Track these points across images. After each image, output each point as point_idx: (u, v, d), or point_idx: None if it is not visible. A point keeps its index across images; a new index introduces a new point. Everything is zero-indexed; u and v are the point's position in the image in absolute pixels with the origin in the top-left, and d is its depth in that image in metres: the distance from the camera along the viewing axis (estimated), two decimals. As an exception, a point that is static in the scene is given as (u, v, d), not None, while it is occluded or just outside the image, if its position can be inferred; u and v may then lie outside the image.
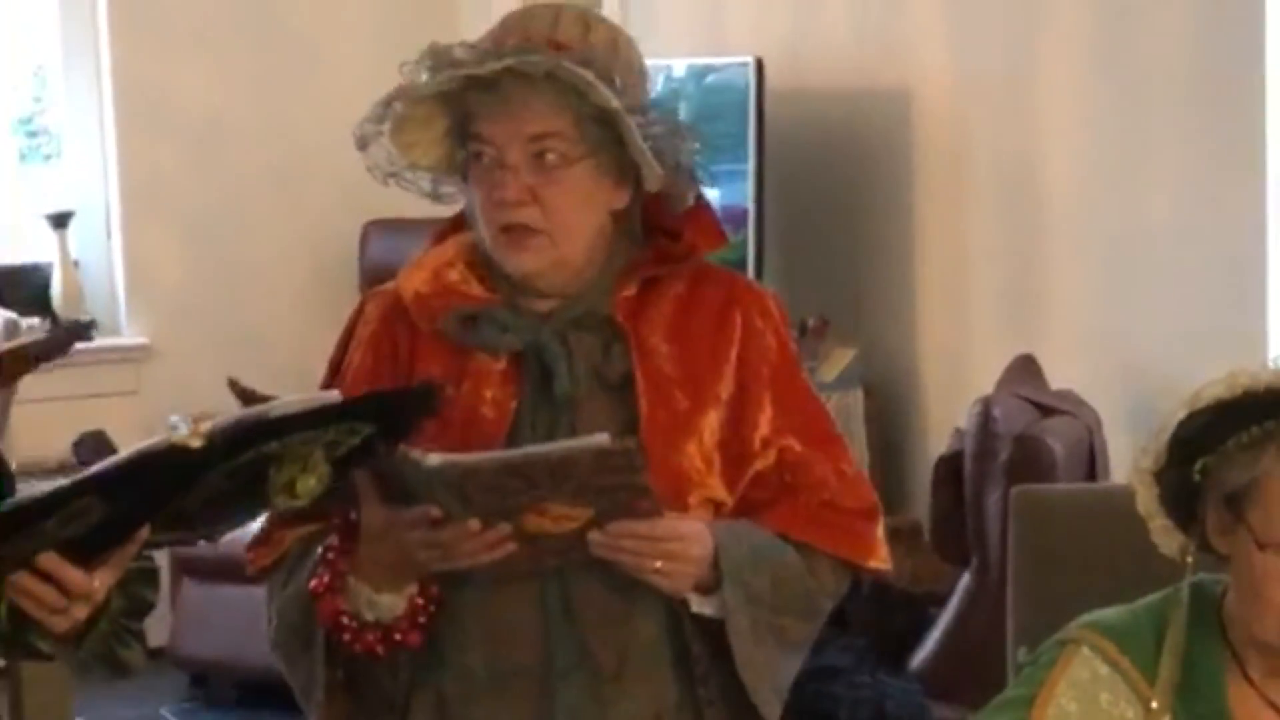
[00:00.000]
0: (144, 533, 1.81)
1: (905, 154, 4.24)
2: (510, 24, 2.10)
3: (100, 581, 1.80)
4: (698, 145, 2.11)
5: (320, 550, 2.05)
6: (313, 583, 2.03)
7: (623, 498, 1.96)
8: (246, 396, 1.94)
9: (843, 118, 4.41)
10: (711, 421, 2.10)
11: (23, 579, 1.79)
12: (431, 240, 2.18)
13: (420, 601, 2.02)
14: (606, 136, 2.06)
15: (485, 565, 1.98)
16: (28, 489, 1.88)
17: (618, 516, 1.97)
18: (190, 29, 5.40)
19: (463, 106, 2.08)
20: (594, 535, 1.98)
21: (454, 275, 2.12)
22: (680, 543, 2.01)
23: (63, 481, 1.78)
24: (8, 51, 5.48)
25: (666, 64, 4.58)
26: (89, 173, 5.43)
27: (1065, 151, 3.90)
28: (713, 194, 4.29)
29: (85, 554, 1.79)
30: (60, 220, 5.32)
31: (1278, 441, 1.84)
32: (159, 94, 5.40)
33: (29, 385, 3.94)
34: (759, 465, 2.12)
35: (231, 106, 5.45)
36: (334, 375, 2.16)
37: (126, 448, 1.83)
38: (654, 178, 2.08)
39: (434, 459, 1.91)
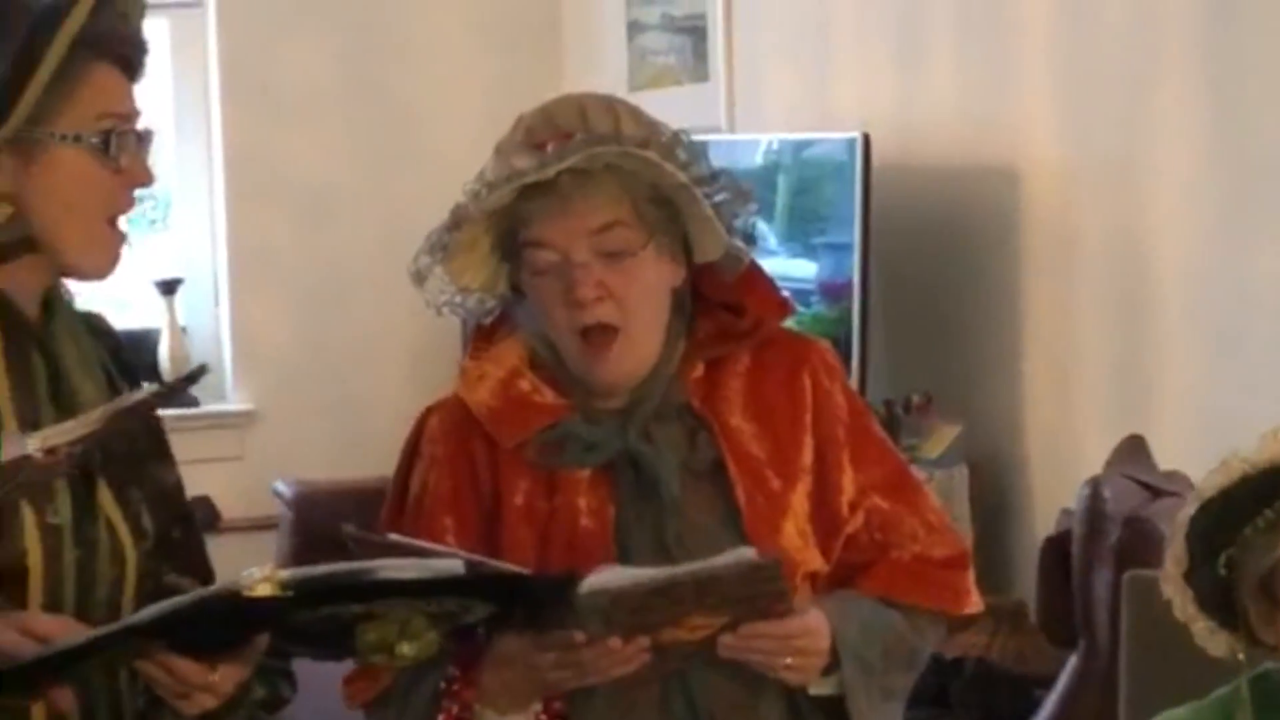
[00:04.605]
0: (263, 640, 1.80)
1: (1012, 231, 4.21)
2: (535, 126, 2.06)
3: (223, 676, 1.80)
4: (755, 206, 2.09)
5: (443, 684, 2.01)
6: (440, 717, 2.00)
7: (761, 604, 1.95)
8: (363, 543, 1.90)
9: (949, 194, 4.38)
10: (800, 495, 2.09)
11: (144, 665, 1.80)
12: (473, 345, 2.14)
13: (545, 718, 2.01)
14: (663, 215, 2.05)
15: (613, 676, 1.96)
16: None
17: (751, 619, 1.95)
18: (300, 98, 5.45)
19: (508, 220, 2.04)
20: (725, 639, 1.96)
21: (524, 385, 2.08)
22: (809, 638, 2.00)
23: (114, 626, 1.78)
24: (121, 120, 5.55)
25: (766, 138, 4.58)
26: (198, 240, 5.49)
27: (1176, 230, 3.85)
28: (811, 267, 4.32)
29: (210, 650, 1.78)
30: (169, 287, 5.37)
31: None
32: (268, 162, 5.45)
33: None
34: (849, 529, 2.10)
35: (339, 175, 5.50)
36: (402, 495, 2.12)
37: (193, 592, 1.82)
38: (718, 248, 2.06)
39: (581, 586, 1.88)
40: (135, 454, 1.97)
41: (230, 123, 5.43)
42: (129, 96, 1.96)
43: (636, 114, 2.08)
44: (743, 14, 5.04)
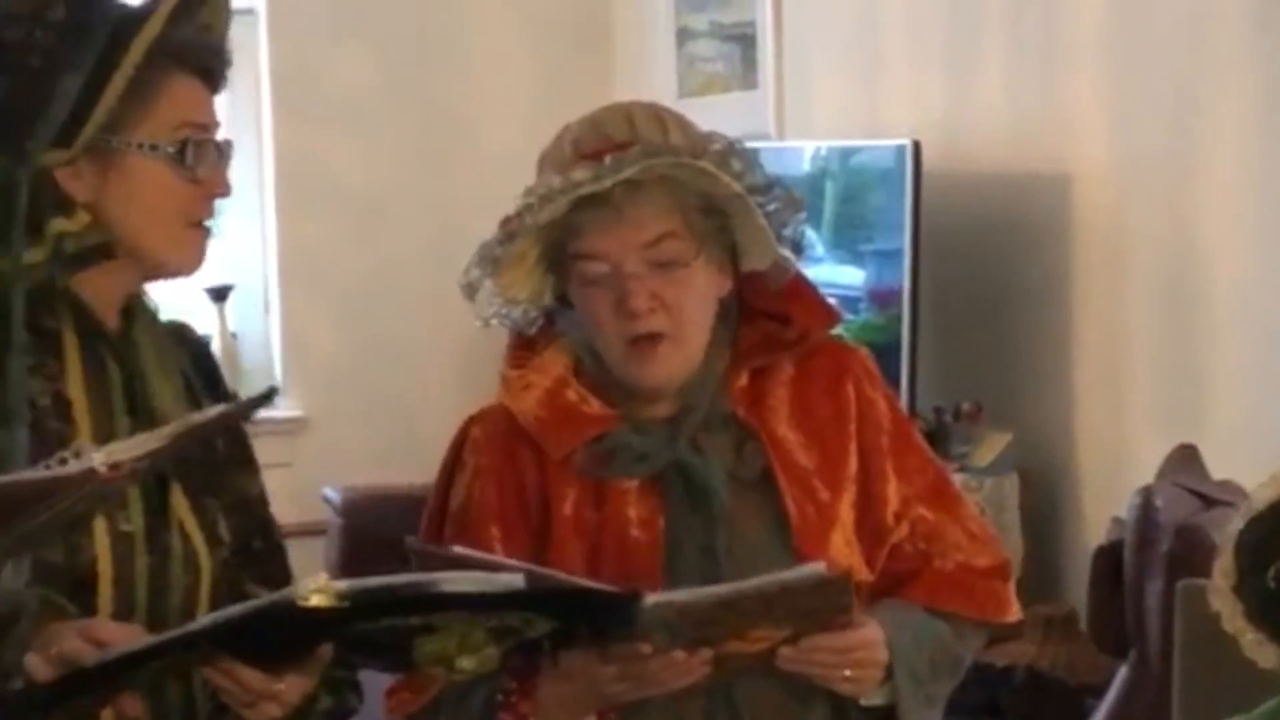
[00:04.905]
0: (327, 649, 1.80)
1: (1063, 237, 4.19)
2: (582, 136, 2.06)
3: (288, 685, 1.80)
4: (804, 215, 2.09)
5: (499, 696, 2.00)
6: None
7: (824, 617, 1.94)
8: (425, 555, 1.89)
9: (999, 200, 4.37)
10: (846, 505, 2.09)
11: (210, 673, 1.80)
12: (514, 354, 2.13)
13: None
14: (713, 225, 2.04)
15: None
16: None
17: (812, 632, 1.95)
18: (350, 105, 5.47)
19: (557, 232, 2.04)
20: (785, 651, 1.95)
21: (571, 395, 2.08)
22: (868, 649, 2.00)
23: (170, 634, 1.78)
24: (172, 127, 5.58)
25: (814, 145, 4.57)
26: (249, 246, 5.51)
27: (1229, 236, 3.83)
28: (859, 274, 4.31)
29: (275, 659, 1.78)
30: (220, 294, 5.39)
31: None
32: (318, 169, 5.47)
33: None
34: (894, 539, 2.10)
35: (388, 182, 5.51)
36: (442, 507, 2.11)
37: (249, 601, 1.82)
38: (768, 257, 2.05)
39: (648, 599, 1.87)
40: (215, 462, 1.98)
41: (281, 129, 5.45)
42: (208, 107, 1.97)
43: (683, 122, 2.08)
44: (792, 21, 5.03)
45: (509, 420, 2.09)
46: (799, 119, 5.01)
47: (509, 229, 2.03)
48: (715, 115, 2.14)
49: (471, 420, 2.14)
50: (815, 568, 1.93)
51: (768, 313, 2.11)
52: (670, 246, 2.01)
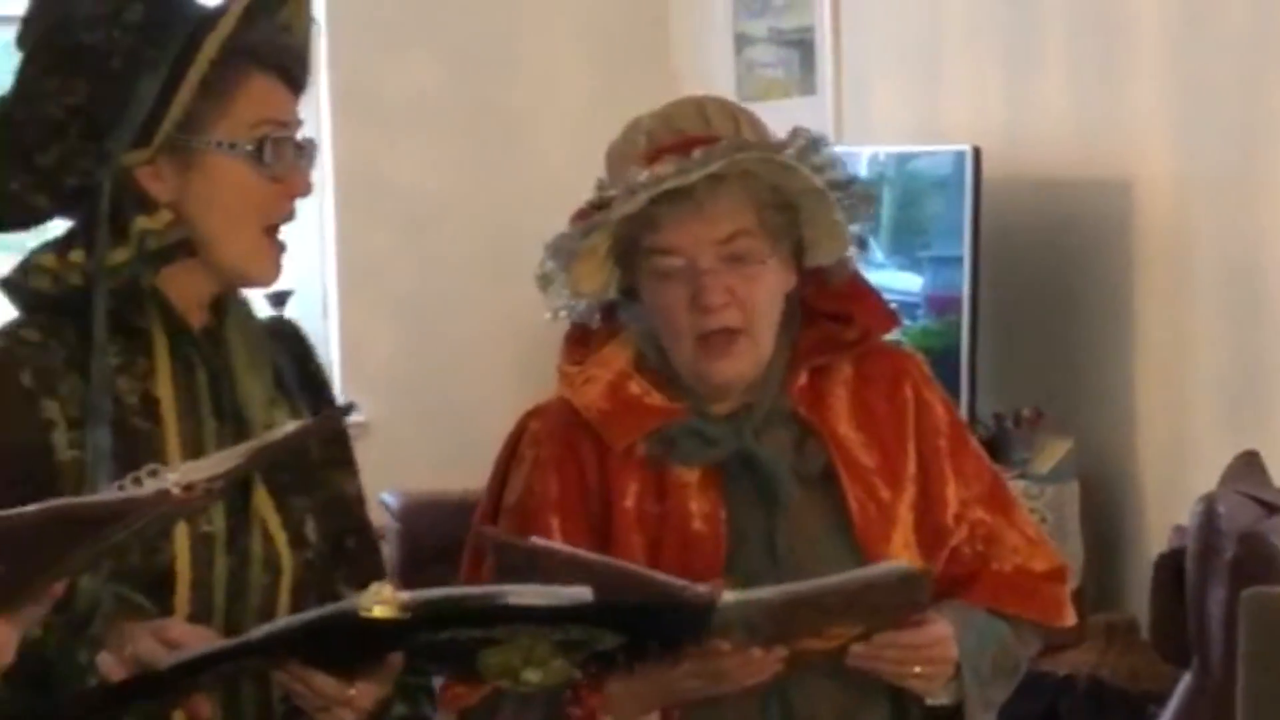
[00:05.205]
0: (398, 656, 1.79)
1: (1125, 243, 4.16)
2: (656, 129, 2.05)
3: (361, 692, 1.80)
4: (874, 211, 2.09)
5: (567, 690, 1.98)
6: None
7: (899, 614, 1.94)
8: (504, 547, 1.88)
9: (1060, 206, 4.34)
10: (906, 506, 2.08)
11: (282, 677, 1.80)
12: (571, 350, 2.13)
13: None
14: (784, 221, 2.04)
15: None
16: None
17: (886, 629, 1.94)
18: (408, 110, 5.49)
19: (629, 225, 2.03)
20: (857, 648, 1.94)
21: (634, 388, 2.07)
22: (939, 647, 1.99)
23: (235, 640, 1.78)
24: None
25: (872, 150, 4.56)
26: (307, 252, 5.53)
27: (1293, 242, 3.80)
28: (917, 280, 4.29)
29: (348, 665, 1.78)
30: (279, 299, 5.41)
31: None
32: (377, 176, 5.49)
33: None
34: (952, 542, 2.10)
35: (446, 187, 5.52)
36: (496, 500, 2.10)
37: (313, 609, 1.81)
38: (837, 253, 2.05)
39: (727, 596, 1.85)
40: (309, 461, 1.97)
41: (340, 136, 5.47)
42: (288, 106, 1.96)
43: (752, 118, 2.08)
44: (851, 26, 5.02)
45: (569, 413, 2.08)
46: (858, 124, 5.00)
47: (591, 222, 2.02)
48: (773, 121, 2.12)
49: (529, 414, 2.14)
50: (898, 564, 1.93)
51: (827, 312, 2.10)
52: (745, 243, 2.01)
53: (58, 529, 1.54)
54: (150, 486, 1.57)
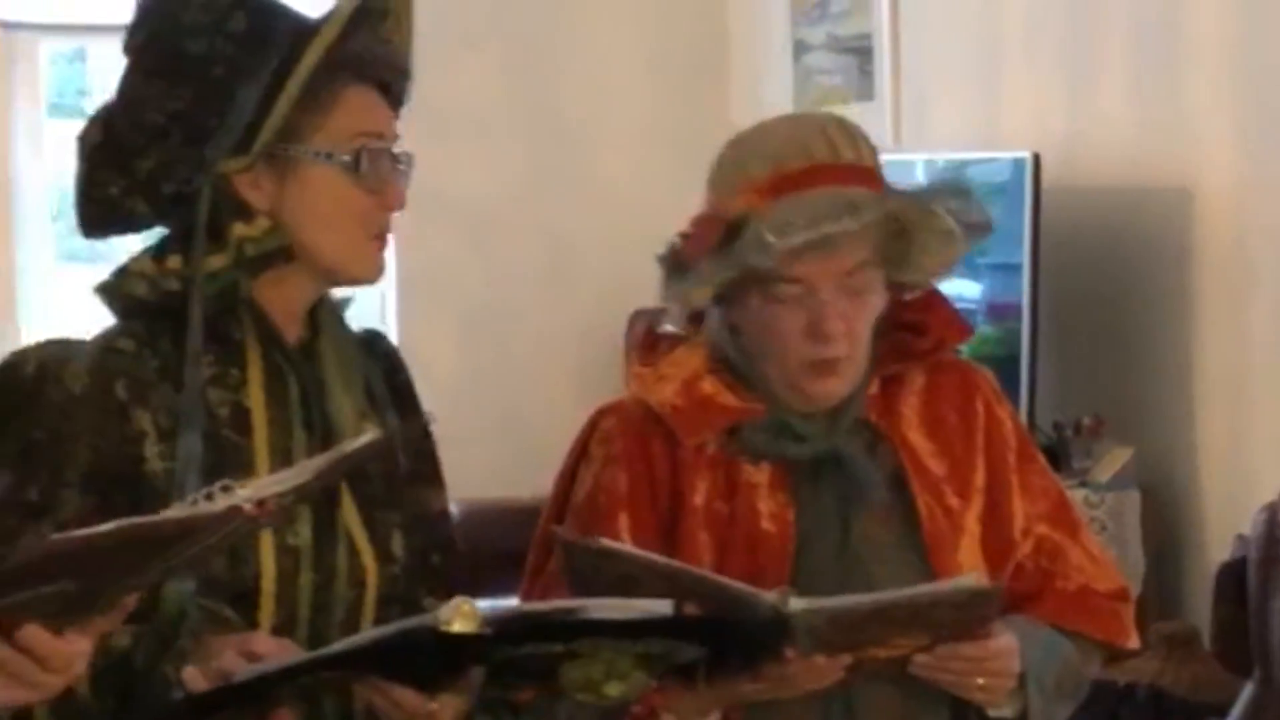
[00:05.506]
0: (479, 670, 1.80)
1: (1186, 251, 4.14)
2: (785, 154, 2.04)
3: (443, 705, 1.79)
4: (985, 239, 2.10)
5: None
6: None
7: (966, 627, 1.94)
8: (575, 547, 1.88)
9: (1120, 214, 4.33)
10: (973, 517, 2.09)
11: (363, 689, 1.81)
12: (642, 354, 2.14)
13: None
14: (899, 248, 2.05)
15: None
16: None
17: (950, 640, 1.94)
18: (467, 119, 5.50)
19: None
20: (920, 658, 1.95)
21: (707, 388, 2.08)
22: (1003, 659, 1.99)
23: (313, 654, 1.78)
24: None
25: (929, 157, 4.55)
26: (367, 260, 5.55)
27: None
28: (975, 287, 4.28)
29: (429, 679, 1.78)
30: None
31: None
32: (435, 183, 5.47)
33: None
34: (1017, 556, 2.10)
35: (505, 195, 5.54)
36: (564, 498, 2.11)
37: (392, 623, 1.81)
38: (937, 275, 2.05)
39: (796, 604, 1.85)
40: (397, 476, 1.97)
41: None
42: (386, 119, 1.98)
43: (867, 139, 2.09)
44: (909, 33, 5.01)
45: (641, 411, 2.09)
46: (916, 131, 4.99)
47: (735, 259, 1.99)
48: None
49: (600, 412, 2.15)
50: (968, 580, 1.94)
51: (901, 322, 2.11)
52: (864, 275, 2.03)
53: (128, 546, 1.55)
54: (221, 502, 1.57)
